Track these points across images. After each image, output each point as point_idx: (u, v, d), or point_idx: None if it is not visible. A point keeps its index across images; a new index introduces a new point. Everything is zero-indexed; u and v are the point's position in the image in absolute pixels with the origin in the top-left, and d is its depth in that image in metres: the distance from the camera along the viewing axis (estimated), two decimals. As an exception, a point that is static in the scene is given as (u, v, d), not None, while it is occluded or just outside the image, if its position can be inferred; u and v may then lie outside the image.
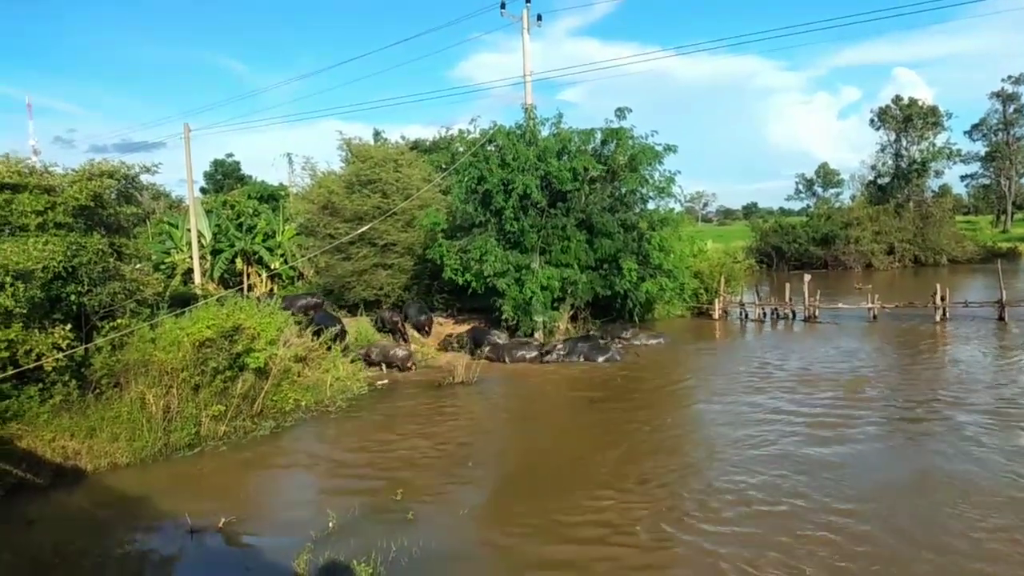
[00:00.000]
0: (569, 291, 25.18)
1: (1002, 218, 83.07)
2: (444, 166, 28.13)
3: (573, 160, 24.35)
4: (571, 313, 26.55)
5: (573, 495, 11.62)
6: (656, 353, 24.07)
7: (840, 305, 31.04)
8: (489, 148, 25.70)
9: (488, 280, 23.99)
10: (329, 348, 20.98)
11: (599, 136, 25.68)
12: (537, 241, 24.32)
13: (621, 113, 25.83)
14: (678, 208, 28.91)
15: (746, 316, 31.07)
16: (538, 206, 24.25)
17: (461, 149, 29.50)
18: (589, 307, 27.09)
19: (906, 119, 63.53)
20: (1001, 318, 27.02)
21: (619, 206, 25.84)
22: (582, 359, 22.52)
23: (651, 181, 25.93)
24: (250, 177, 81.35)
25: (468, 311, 28.07)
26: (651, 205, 27.17)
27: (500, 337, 24.14)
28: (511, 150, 24.23)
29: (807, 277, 30.97)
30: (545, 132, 25.68)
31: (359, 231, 25.55)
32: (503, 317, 24.50)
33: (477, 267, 23.94)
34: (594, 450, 13.99)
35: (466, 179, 24.63)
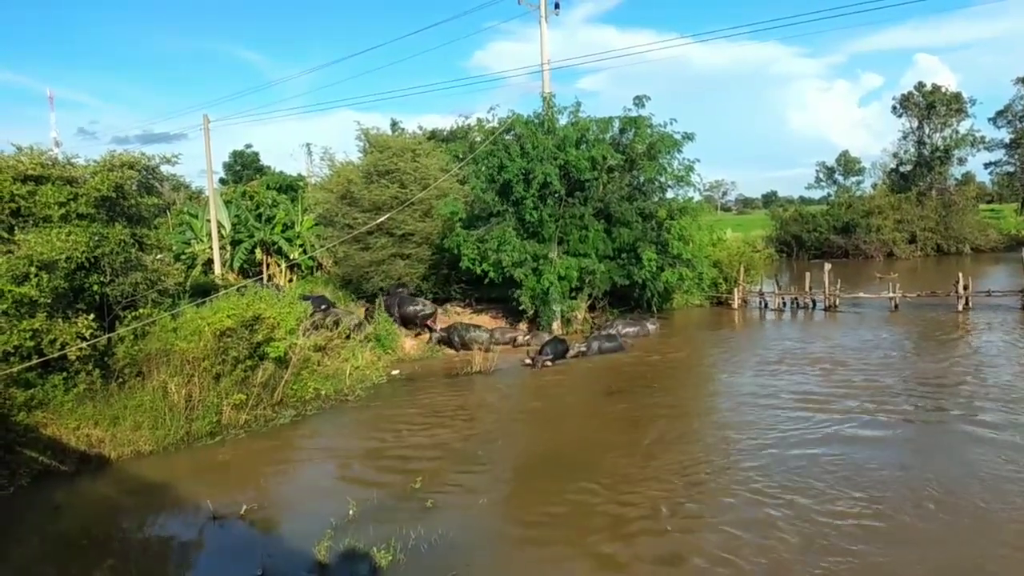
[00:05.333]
0: (587, 281, 25.12)
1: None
2: (462, 156, 28.06)
3: (591, 149, 24.26)
4: (589, 303, 26.51)
5: (591, 483, 11.61)
6: (673, 344, 23.98)
7: (861, 294, 30.76)
8: (507, 137, 25.63)
9: (506, 270, 23.97)
10: (348, 337, 21.16)
11: (617, 125, 25.57)
12: (555, 231, 24.29)
13: (639, 101, 25.71)
14: (697, 197, 28.77)
15: (766, 305, 30.87)
16: (557, 195, 24.19)
17: (479, 139, 29.45)
18: (607, 296, 27.04)
19: (929, 106, 62.53)
20: (1024, 307, 26.70)
21: (637, 195, 25.75)
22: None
23: (669, 170, 25.82)
24: (269, 168, 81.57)
25: (486, 301, 28.09)
26: (669, 194, 27.09)
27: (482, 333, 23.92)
28: (530, 139, 24.17)
29: (827, 266, 30.70)
30: (563, 121, 25.58)
31: (377, 221, 25.59)
32: (521, 308, 24.50)
33: (495, 257, 23.93)
34: (612, 439, 13.99)
35: (485, 168, 24.60)
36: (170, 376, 15.07)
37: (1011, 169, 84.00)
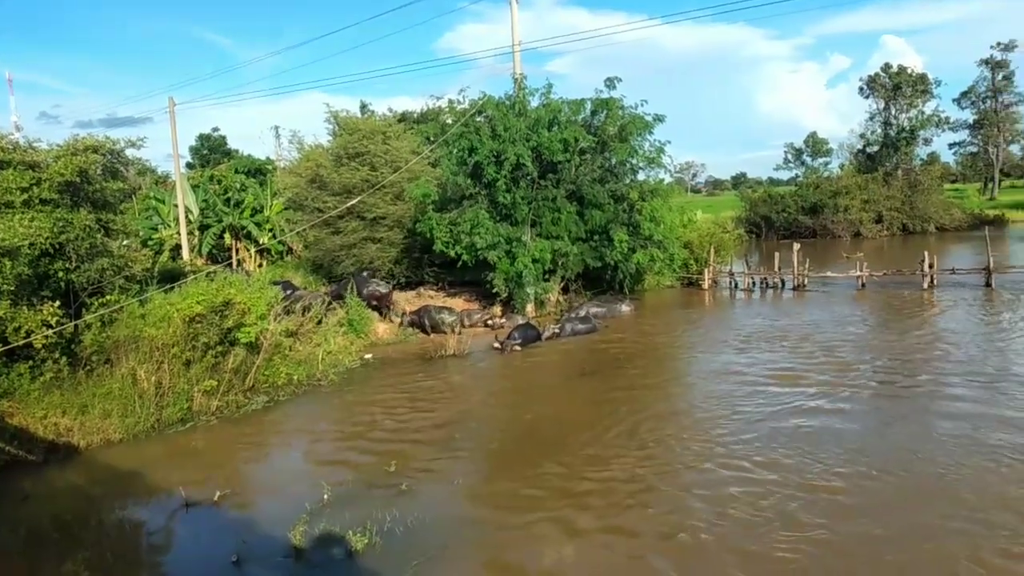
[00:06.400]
0: (560, 263, 25.17)
1: (989, 186, 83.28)
2: (432, 138, 27.87)
3: (563, 131, 24.22)
4: (562, 285, 26.58)
5: (564, 463, 11.71)
6: (646, 324, 24.16)
7: (829, 273, 31.18)
8: (478, 119, 25.49)
9: (479, 253, 23.92)
10: (320, 322, 21.04)
11: (589, 106, 25.55)
12: (528, 213, 24.26)
13: (611, 83, 25.68)
14: (668, 179, 28.90)
15: (735, 285, 31.18)
16: (529, 177, 24.15)
17: (450, 120, 29.25)
18: (580, 278, 27.13)
19: (895, 87, 63.37)
20: (988, 284, 27.23)
21: (609, 177, 25.79)
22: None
23: (641, 152, 25.86)
24: (236, 151, 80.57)
25: (459, 284, 28.04)
26: (641, 176, 27.15)
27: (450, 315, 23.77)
28: (501, 121, 24.08)
29: (796, 246, 31.05)
30: (535, 103, 25.51)
31: (347, 204, 25.37)
32: (494, 290, 24.51)
33: (467, 240, 23.86)
34: (586, 419, 14.08)
35: (456, 150, 24.47)
36: (139, 363, 14.90)
37: (974, 149, 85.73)
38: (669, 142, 26.40)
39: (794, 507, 9.80)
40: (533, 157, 23.84)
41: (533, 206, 24.34)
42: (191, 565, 9.35)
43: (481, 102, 25.39)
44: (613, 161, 25.94)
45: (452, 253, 24.49)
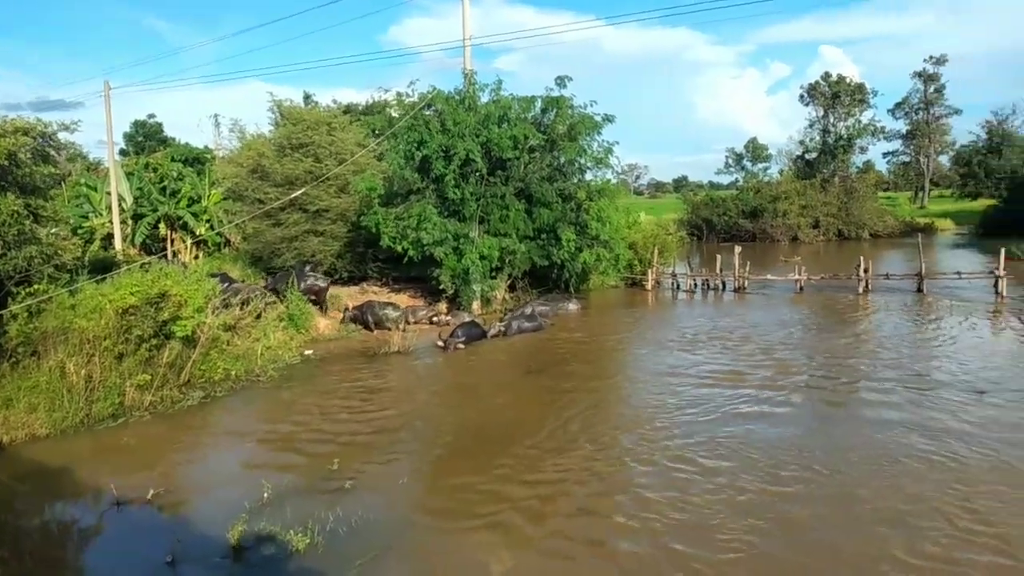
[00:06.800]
0: (508, 261, 25.07)
1: (920, 194, 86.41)
2: (379, 131, 27.44)
3: (513, 128, 24.12)
4: (509, 282, 26.49)
5: (509, 460, 11.63)
6: (592, 323, 24.25)
7: (768, 276, 31.81)
8: (427, 113, 25.18)
9: (426, 249, 23.63)
10: (259, 317, 20.50)
11: (539, 104, 25.49)
12: (476, 209, 24.09)
13: (561, 82, 25.66)
14: (614, 180, 29.06)
15: (678, 287, 31.58)
16: (478, 173, 23.98)
17: (395, 114, 28.84)
18: (526, 276, 27.08)
19: (834, 95, 65.15)
20: (920, 290, 28.13)
21: (557, 176, 25.79)
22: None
23: (589, 151, 25.93)
24: (173, 139, 78.32)
25: (404, 280, 27.69)
26: (588, 176, 27.23)
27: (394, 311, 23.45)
28: (451, 115, 23.84)
29: (737, 249, 31.58)
30: (484, 98, 25.34)
31: (291, 196, 24.77)
32: (440, 287, 24.26)
33: (414, 235, 23.55)
34: (530, 416, 13.99)
35: (404, 144, 24.13)
36: (68, 356, 14.26)
37: (907, 159, 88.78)
38: (617, 143, 26.60)
39: (740, 502, 9.93)
40: (483, 153, 23.67)
41: (482, 203, 24.17)
42: (123, 566, 8.91)
43: (431, 95, 25.11)
44: (562, 160, 25.94)
45: (399, 248, 24.11)
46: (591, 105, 25.84)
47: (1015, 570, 8.18)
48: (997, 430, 12.46)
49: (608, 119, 25.86)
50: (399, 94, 27.59)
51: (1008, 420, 12.96)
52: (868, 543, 8.80)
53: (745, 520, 9.39)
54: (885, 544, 8.75)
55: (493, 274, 25.21)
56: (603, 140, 26.22)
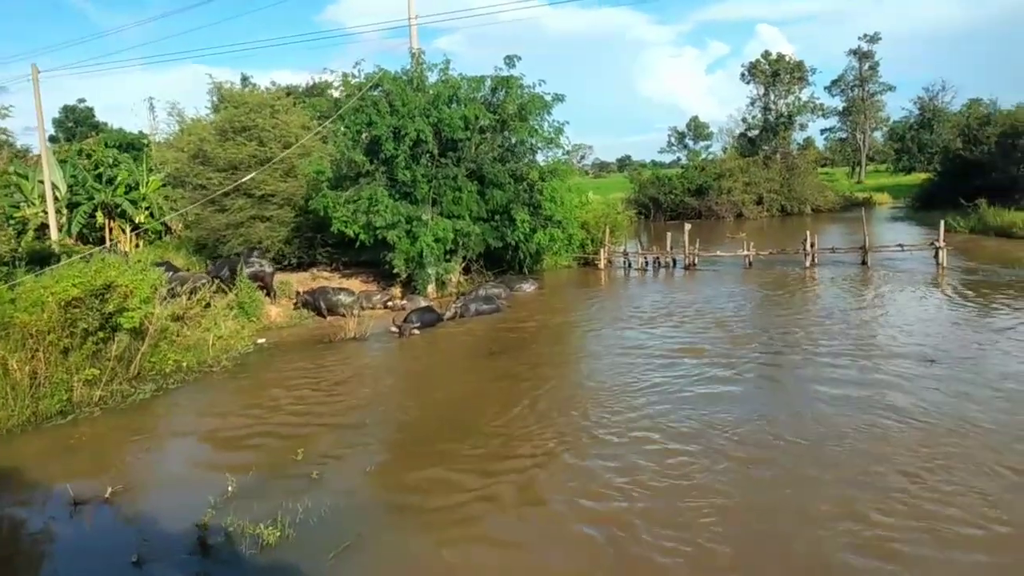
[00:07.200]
0: (462, 243, 24.86)
1: (856, 170, 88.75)
2: (324, 113, 26.87)
3: (464, 108, 23.83)
4: (463, 265, 26.29)
5: (479, 445, 11.55)
6: (548, 303, 24.26)
7: (718, 253, 32.26)
8: (374, 93, 24.70)
9: (378, 232, 23.24)
10: (207, 306, 19.94)
11: (488, 84, 25.22)
12: (428, 191, 23.76)
13: (510, 61, 25.44)
14: (565, 159, 29.02)
15: (629, 265, 31.78)
16: (429, 154, 23.65)
17: (335, 95, 28.22)
18: (481, 259, 26.92)
19: (774, 74, 66.21)
20: (864, 263, 28.87)
21: (509, 156, 25.63)
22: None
23: (540, 131, 25.80)
24: (106, 124, 75.66)
25: (354, 265, 27.24)
26: (539, 156, 27.14)
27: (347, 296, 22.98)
28: (399, 96, 23.43)
29: (687, 226, 31.90)
30: (432, 78, 24.97)
31: (239, 182, 24.08)
32: (395, 271, 23.94)
33: (365, 219, 23.14)
34: (492, 399, 13.92)
35: (353, 125, 23.63)
36: (10, 352, 13.62)
37: (843, 135, 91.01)
38: (568, 122, 26.49)
39: (710, 472, 10.10)
40: (433, 134, 23.34)
41: (434, 184, 23.86)
42: (86, 569, 8.56)
43: (377, 76, 24.61)
44: (513, 140, 25.76)
45: (350, 232, 23.64)
46: (540, 85, 25.71)
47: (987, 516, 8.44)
48: (951, 395, 12.86)
49: (558, 98, 25.77)
50: (345, 75, 26.97)
51: (958, 388, 13.34)
52: (840, 504, 9.02)
53: (716, 493, 9.52)
54: (854, 503, 9.02)
55: (448, 257, 24.99)
56: (553, 120, 26.15)
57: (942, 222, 28.53)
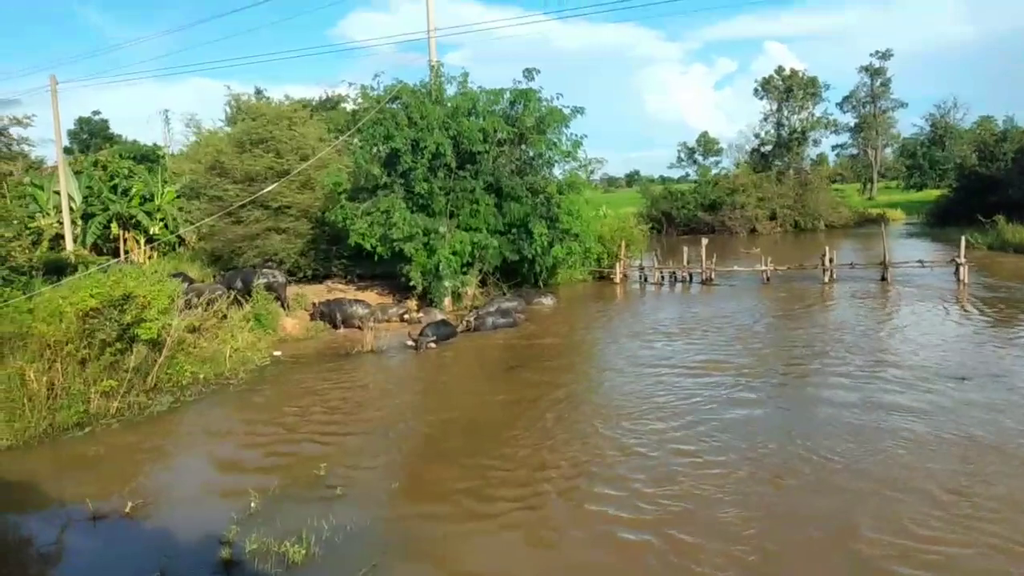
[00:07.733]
0: (479, 256, 24.67)
1: (868, 186, 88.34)
2: (341, 126, 26.84)
3: (482, 120, 23.73)
4: (480, 278, 26.10)
5: (506, 460, 11.28)
6: (565, 317, 24.02)
7: (736, 268, 31.96)
8: (393, 107, 24.62)
9: (395, 245, 23.07)
10: (224, 317, 19.77)
11: (507, 97, 25.14)
12: (446, 204, 23.62)
13: (529, 74, 25.38)
14: (582, 173, 28.86)
15: (645, 279, 31.49)
16: (447, 167, 23.52)
17: (350, 108, 28.16)
18: (497, 272, 26.73)
19: (787, 89, 65.98)
20: (884, 278, 28.51)
21: (527, 169, 25.49)
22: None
23: (558, 145, 25.67)
24: (120, 136, 76.09)
25: (369, 277, 27.09)
26: (557, 170, 27.02)
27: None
28: (418, 108, 23.34)
29: (704, 241, 31.65)
30: (451, 91, 24.92)
31: (259, 193, 23.97)
32: (411, 284, 23.75)
33: (382, 231, 22.99)
34: (514, 412, 13.68)
35: (371, 138, 23.54)
36: (28, 362, 13.46)
37: (855, 151, 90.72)
38: (585, 136, 26.39)
39: (748, 484, 9.94)
40: (452, 146, 23.22)
41: (451, 197, 23.72)
42: (107, 586, 8.36)
43: (396, 88, 24.55)
44: (531, 153, 25.65)
45: (367, 245, 23.48)
46: (558, 98, 25.61)
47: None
48: (987, 411, 12.57)
49: (577, 111, 25.68)
50: (364, 87, 26.94)
51: (993, 404, 13.01)
52: (882, 517, 8.76)
53: (753, 504, 9.28)
54: (898, 517, 8.80)
55: (464, 270, 24.80)
56: (571, 133, 26.03)
57: (963, 238, 28.13)
